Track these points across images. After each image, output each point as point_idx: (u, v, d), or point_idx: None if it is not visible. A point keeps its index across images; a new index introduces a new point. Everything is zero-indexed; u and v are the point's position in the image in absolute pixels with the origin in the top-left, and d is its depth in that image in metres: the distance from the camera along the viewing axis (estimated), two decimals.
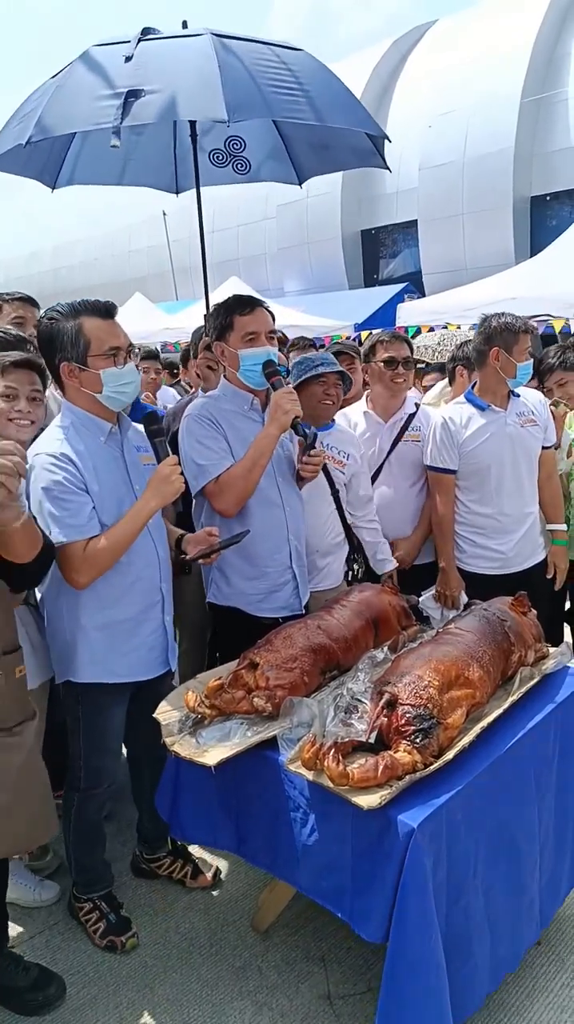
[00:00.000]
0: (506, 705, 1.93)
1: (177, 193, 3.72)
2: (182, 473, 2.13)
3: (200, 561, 2.28)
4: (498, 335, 2.85)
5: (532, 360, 2.88)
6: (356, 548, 3.01)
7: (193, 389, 3.75)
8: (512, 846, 1.88)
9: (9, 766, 1.80)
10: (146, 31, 2.70)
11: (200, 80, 2.49)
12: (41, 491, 1.97)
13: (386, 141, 3.15)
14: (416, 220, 15.21)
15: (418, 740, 1.69)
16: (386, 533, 3.05)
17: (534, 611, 2.29)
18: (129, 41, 2.64)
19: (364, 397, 3.26)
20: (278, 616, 2.47)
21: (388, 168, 3.32)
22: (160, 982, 2.16)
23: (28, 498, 1.98)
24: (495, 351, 2.87)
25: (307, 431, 2.46)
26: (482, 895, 1.80)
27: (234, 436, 2.41)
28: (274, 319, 2.46)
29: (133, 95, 2.46)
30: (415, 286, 14.24)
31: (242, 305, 2.40)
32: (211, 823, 2.06)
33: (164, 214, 16.17)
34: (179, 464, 2.10)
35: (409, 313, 10.43)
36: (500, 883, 1.86)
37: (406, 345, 3.08)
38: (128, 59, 2.57)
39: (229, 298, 2.47)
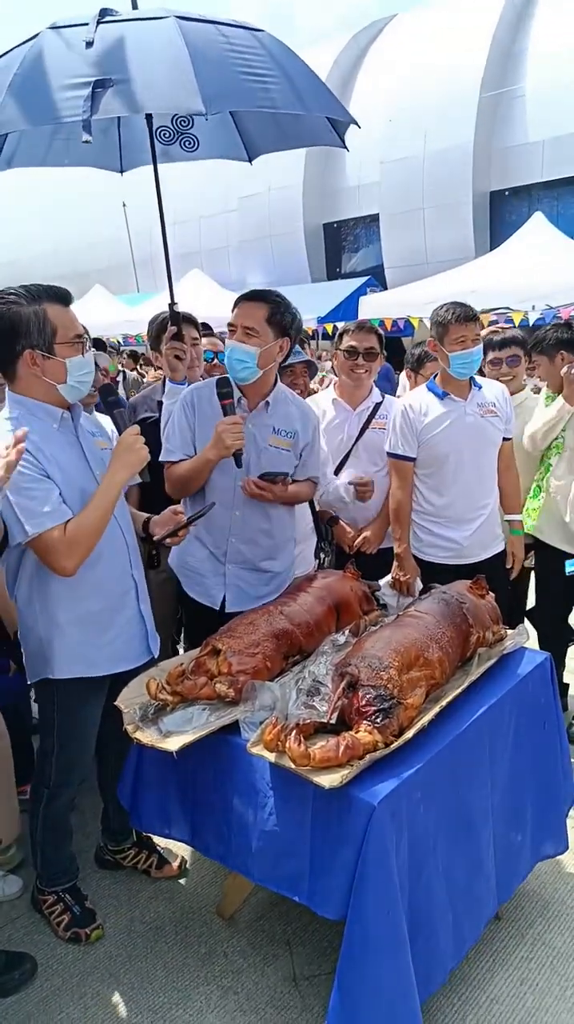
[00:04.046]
0: (465, 685, 1.97)
1: (122, 172, 3.62)
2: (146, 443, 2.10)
3: (168, 540, 2.27)
4: (433, 327, 2.91)
5: (475, 349, 2.85)
6: (323, 536, 3.03)
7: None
8: (469, 822, 1.91)
9: None
10: (104, 12, 2.58)
11: (172, 69, 2.38)
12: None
13: (356, 126, 3.11)
14: (378, 214, 15.30)
15: (378, 720, 1.71)
16: (354, 517, 3.09)
17: (492, 594, 2.33)
18: (87, 23, 2.51)
19: (332, 385, 3.28)
20: (196, 599, 2.55)
21: (346, 147, 3.29)
22: (126, 971, 2.15)
23: None
24: (431, 343, 2.95)
25: (274, 475, 2.43)
26: (442, 872, 1.83)
27: (202, 428, 2.41)
28: (279, 316, 2.37)
29: (100, 85, 2.33)
30: (377, 279, 14.32)
31: (239, 297, 2.41)
32: (166, 813, 2.07)
33: (124, 205, 15.97)
34: (141, 434, 2.06)
35: (371, 306, 10.52)
36: (459, 859, 1.89)
37: (373, 336, 3.08)
38: (89, 44, 2.43)
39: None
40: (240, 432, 2.31)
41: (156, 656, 2.26)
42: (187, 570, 2.57)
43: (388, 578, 3.06)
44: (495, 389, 3.06)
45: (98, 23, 2.50)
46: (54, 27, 2.61)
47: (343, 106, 3.03)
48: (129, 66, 2.40)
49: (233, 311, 2.39)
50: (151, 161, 3.24)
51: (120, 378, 7.67)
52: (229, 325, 2.38)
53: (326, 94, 2.89)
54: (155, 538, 2.25)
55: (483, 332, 3.17)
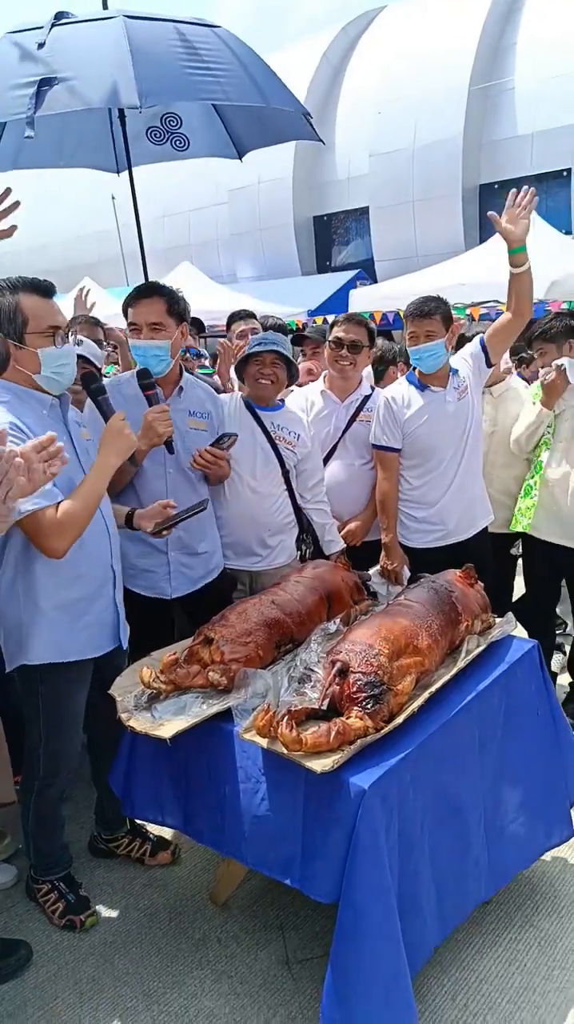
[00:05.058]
0: (454, 672, 2.00)
1: (118, 172, 3.69)
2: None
3: (163, 533, 2.30)
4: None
5: (426, 345, 2.87)
6: (306, 528, 3.05)
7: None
8: (456, 806, 1.95)
9: None
10: (59, 15, 2.69)
11: (112, 66, 2.50)
12: None
13: (308, 117, 3.18)
14: (367, 207, 15.25)
15: (369, 706, 1.74)
16: (339, 510, 3.10)
17: (481, 583, 2.36)
18: (43, 27, 2.63)
19: (322, 377, 3.30)
20: (143, 593, 2.58)
21: (322, 140, 3.39)
22: (120, 957, 2.18)
23: None
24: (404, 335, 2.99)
25: (228, 435, 2.54)
26: (428, 854, 1.86)
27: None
28: (175, 305, 2.46)
29: (46, 83, 2.46)
30: (367, 272, 14.31)
31: (133, 296, 2.47)
32: (159, 800, 2.08)
33: (113, 198, 15.88)
34: (126, 420, 2.09)
35: (361, 299, 10.50)
36: (446, 842, 1.92)
37: (362, 329, 3.09)
38: (41, 46, 2.56)
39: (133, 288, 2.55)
40: (169, 419, 2.39)
41: (125, 646, 2.29)
42: (128, 568, 2.57)
43: (377, 567, 3.10)
44: (461, 359, 3.04)
45: (52, 26, 2.64)
46: (13, 32, 2.73)
47: (299, 100, 3.13)
48: (73, 65, 2.53)
49: (129, 310, 2.46)
50: (147, 161, 3.31)
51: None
52: (131, 324, 2.45)
53: (283, 88, 3.00)
54: (149, 531, 2.27)
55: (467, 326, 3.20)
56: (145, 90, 2.44)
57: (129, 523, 2.32)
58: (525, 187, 2.79)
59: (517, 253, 2.78)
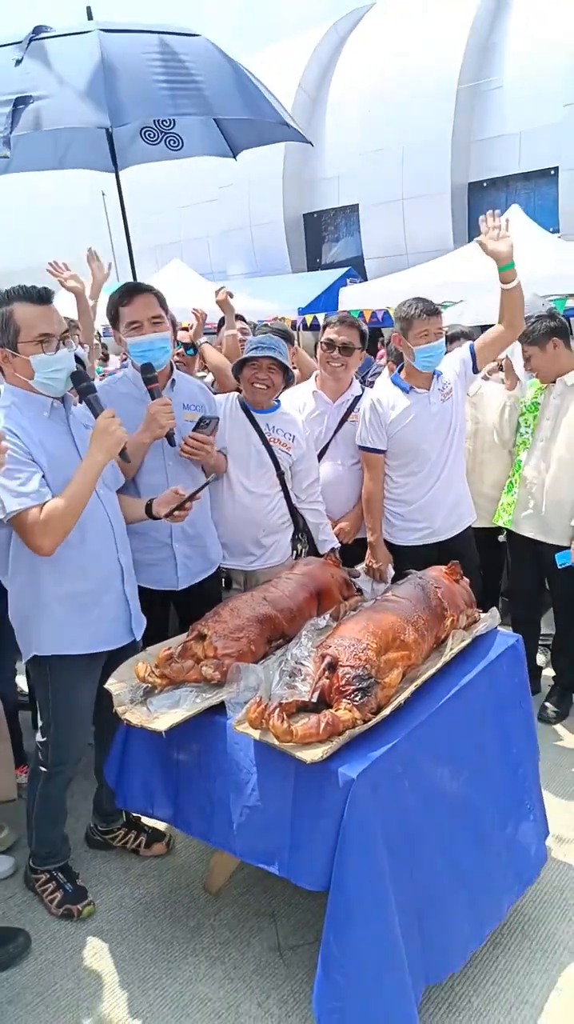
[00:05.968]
0: (439, 664, 2.06)
1: (114, 172, 3.72)
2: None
3: (176, 513, 2.35)
4: (397, 321, 2.99)
5: (438, 342, 2.93)
6: (301, 528, 3.10)
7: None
8: (464, 801, 1.99)
9: None
10: (38, 29, 2.70)
11: (82, 85, 2.51)
12: None
13: (286, 127, 3.21)
14: (357, 204, 15.29)
15: (357, 699, 1.79)
16: (330, 509, 3.16)
17: (467, 579, 2.42)
18: (21, 42, 2.64)
19: (313, 377, 3.35)
20: (152, 587, 2.61)
21: (310, 143, 3.44)
22: (117, 945, 2.24)
23: None
24: (396, 337, 3.03)
25: (208, 419, 2.60)
26: (444, 850, 1.91)
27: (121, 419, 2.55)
28: (164, 301, 2.53)
29: (22, 102, 2.48)
30: (357, 270, 14.36)
31: (124, 295, 2.51)
32: (150, 793, 2.13)
33: (103, 195, 15.84)
34: (116, 416, 2.13)
35: (351, 297, 10.57)
36: (461, 837, 1.97)
37: (354, 331, 3.14)
38: (18, 62, 2.57)
39: (116, 289, 2.56)
40: (171, 412, 2.45)
41: (138, 639, 2.33)
42: (135, 562, 2.60)
43: (362, 565, 3.17)
44: (447, 364, 3.10)
45: (30, 41, 2.63)
46: None
47: (274, 109, 3.13)
48: (47, 83, 2.53)
49: (124, 309, 2.48)
50: (142, 160, 3.32)
51: None
52: (131, 323, 2.48)
53: (258, 97, 3.00)
54: (161, 516, 2.34)
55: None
56: (115, 109, 2.46)
57: (150, 513, 2.37)
58: (488, 211, 2.89)
59: (506, 270, 2.85)
